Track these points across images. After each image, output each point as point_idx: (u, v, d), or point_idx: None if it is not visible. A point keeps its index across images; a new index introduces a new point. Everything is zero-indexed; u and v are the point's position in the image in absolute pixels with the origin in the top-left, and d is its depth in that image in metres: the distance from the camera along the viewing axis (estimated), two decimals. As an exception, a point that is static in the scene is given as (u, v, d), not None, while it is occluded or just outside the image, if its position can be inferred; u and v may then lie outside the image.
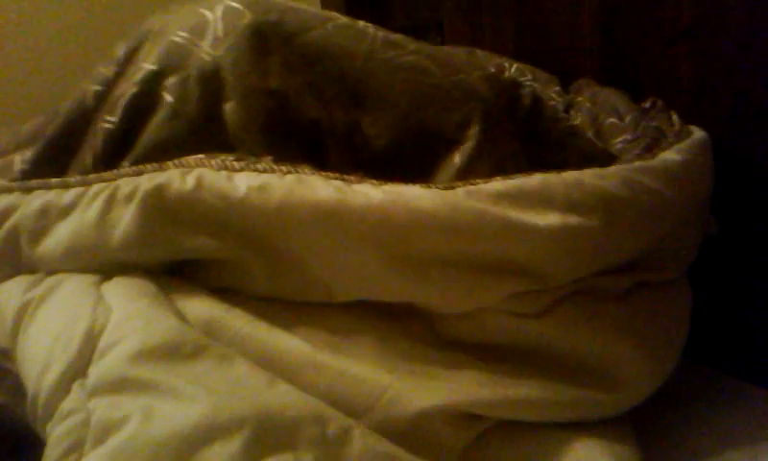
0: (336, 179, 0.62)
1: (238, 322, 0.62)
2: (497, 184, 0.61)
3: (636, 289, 0.70)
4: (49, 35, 1.53)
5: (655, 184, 0.67)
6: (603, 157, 0.75)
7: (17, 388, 0.64)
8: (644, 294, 0.70)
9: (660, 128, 0.81)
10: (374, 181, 0.62)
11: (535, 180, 0.62)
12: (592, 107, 0.91)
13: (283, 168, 0.63)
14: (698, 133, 0.80)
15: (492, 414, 0.61)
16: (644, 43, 0.96)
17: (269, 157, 0.64)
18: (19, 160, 0.77)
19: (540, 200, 0.61)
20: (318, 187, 0.60)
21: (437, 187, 0.61)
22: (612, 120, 0.88)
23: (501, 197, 0.61)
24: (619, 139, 0.84)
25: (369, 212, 0.59)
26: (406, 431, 0.58)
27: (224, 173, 0.62)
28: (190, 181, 0.62)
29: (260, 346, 0.60)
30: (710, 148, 0.80)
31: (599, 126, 0.88)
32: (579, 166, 0.71)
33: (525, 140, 0.71)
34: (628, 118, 0.86)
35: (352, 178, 0.62)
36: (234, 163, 0.63)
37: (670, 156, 0.71)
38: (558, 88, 0.99)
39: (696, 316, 0.77)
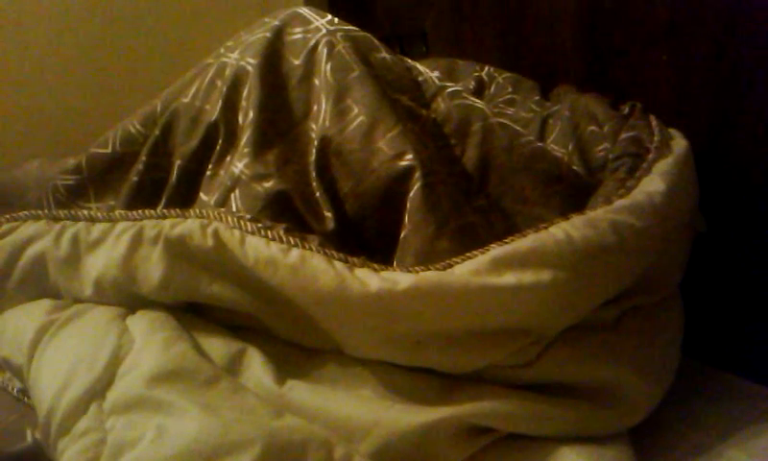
0: (339, 260, 0.61)
1: (250, 363, 0.63)
2: (493, 251, 0.61)
3: (627, 314, 0.69)
4: (49, 35, 1.49)
5: (641, 223, 0.66)
6: (569, 176, 0.75)
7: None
8: (636, 318, 0.69)
9: (641, 140, 0.79)
10: (375, 266, 0.61)
11: (528, 240, 0.61)
12: (572, 115, 0.88)
13: (291, 240, 0.63)
14: (679, 145, 0.78)
15: (492, 424, 0.61)
16: (624, 45, 0.94)
17: (282, 226, 0.64)
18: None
19: (534, 259, 0.60)
20: (319, 273, 0.60)
21: (435, 268, 0.61)
22: (592, 128, 0.86)
23: (497, 262, 0.60)
24: (600, 147, 0.82)
25: (366, 301, 0.59)
26: (408, 449, 0.58)
27: (237, 233, 0.63)
28: (210, 239, 0.63)
29: (267, 389, 0.61)
30: (692, 158, 0.78)
31: (580, 135, 0.86)
32: (547, 187, 0.71)
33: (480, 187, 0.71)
34: (607, 127, 0.84)
35: (355, 260, 0.62)
36: (248, 224, 0.64)
37: (654, 185, 0.70)
38: (537, 98, 0.96)
39: (693, 314, 0.76)
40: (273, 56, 0.76)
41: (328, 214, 0.68)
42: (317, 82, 0.74)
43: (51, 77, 1.48)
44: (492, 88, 0.99)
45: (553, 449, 0.62)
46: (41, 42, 1.47)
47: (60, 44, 1.49)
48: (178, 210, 0.68)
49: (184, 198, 0.73)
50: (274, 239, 0.63)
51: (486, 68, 1.03)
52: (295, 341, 0.66)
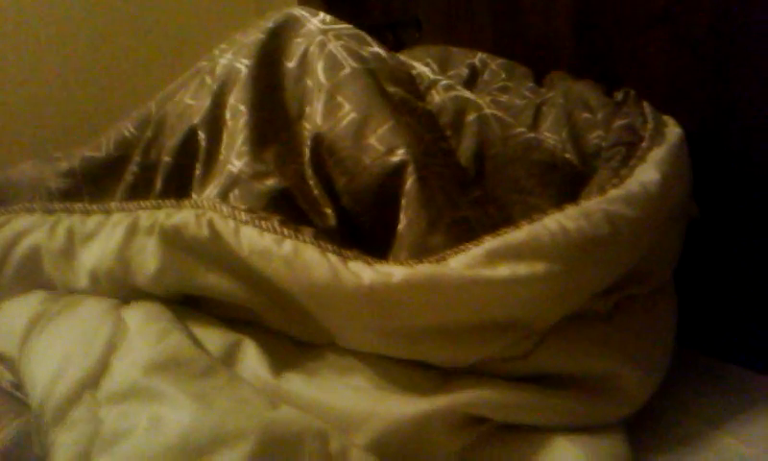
0: (333, 252, 0.61)
1: (246, 354, 0.63)
2: (487, 244, 0.60)
3: (621, 304, 0.68)
4: (49, 35, 1.49)
5: (635, 213, 0.65)
6: (563, 165, 0.73)
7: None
8: (630, 308, 0.69)
9: (635, 127, 0.78)
10: (369, 259, 0.61)
11: (522, 232, 0.61)
12: (566, 102, 0.87)
13: (285, 231, 0.62)
14: (673, 132, 0.77)
15: (488, 414, 0.61)
16: (619, 30, 0.93)
17: (278, 217, 0.64)
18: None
19: (528, 252, 0.60)
20: (312, 265, 0.60)
21: (429, 261, 0.60)
22: (585, 115, 0.84)
23: (491, 255, 0.59)
24: (594, 134, 0.81)
25: (359, 293, 0.58)
26: (404, 439, 0.58)
27: (232, 224, 0.63)
28: (205, 228, 0.62)
29: (262, 380, 0.61)
30: (686, 146, 0.77)
31: (573, 122, 0.84)
32: (542, 176, 0.70)
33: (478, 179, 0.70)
34: (600, 114, 0.83)
35: (349, 253, 0.61)
36: (243, 214, 0.63)
37: (649, 175, 0.69)
38: (531, 85, 0.95)
39: (688, 303, 0.76)
40: (266, 57, 0.76)
41: (329, 211, 0.68)
42: (309, 82, 0.73)
43: (50, 77, 1.48)
44: (486, 75, 0.97)
45: (548, 439, 0.61)
46: (41, 42, 1.47)
47: (60, 45, 1.49)
48: (173, 201, 0.67)
49: (175, 197, 0.72)
50: (268, 230, 0.62)
51: (479, 55, 1.02)
52: (290, 334, 0.65)
